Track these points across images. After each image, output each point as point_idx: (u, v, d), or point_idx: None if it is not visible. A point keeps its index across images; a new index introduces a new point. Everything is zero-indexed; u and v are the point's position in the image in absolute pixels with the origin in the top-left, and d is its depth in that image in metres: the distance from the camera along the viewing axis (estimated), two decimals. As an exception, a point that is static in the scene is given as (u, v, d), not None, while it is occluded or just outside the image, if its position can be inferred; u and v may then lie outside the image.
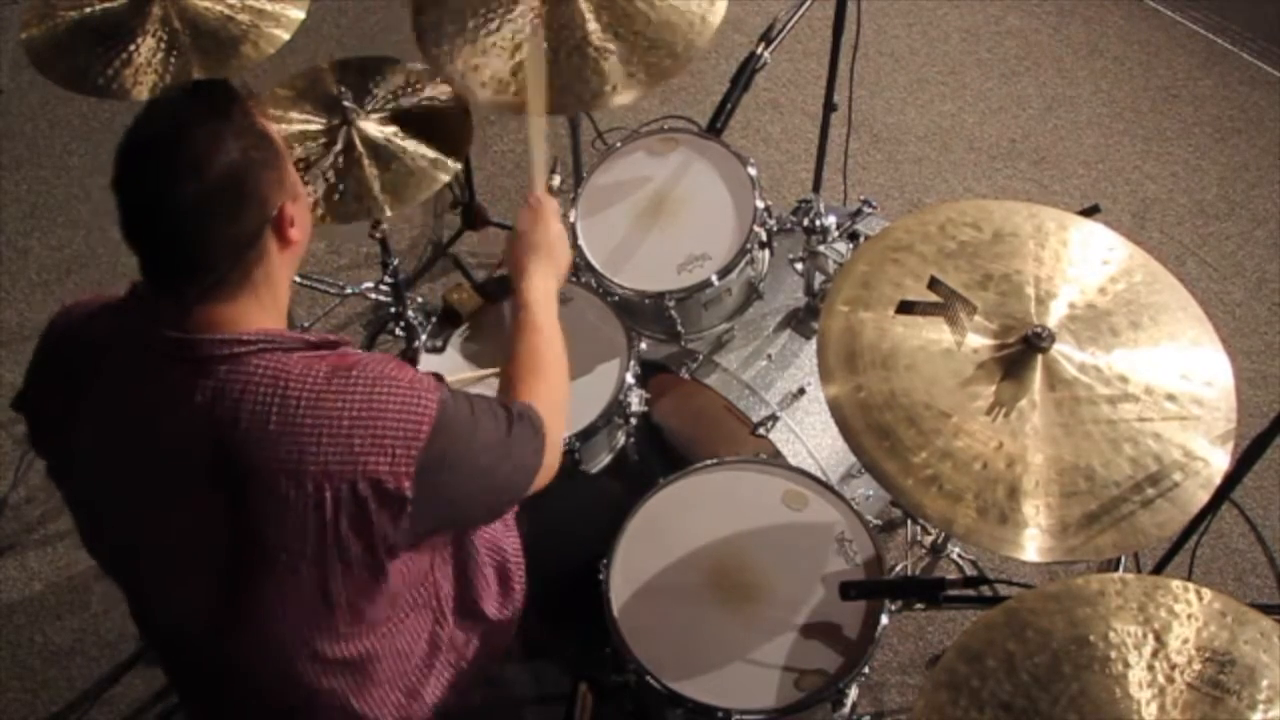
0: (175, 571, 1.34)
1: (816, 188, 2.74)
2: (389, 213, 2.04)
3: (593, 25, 2.03)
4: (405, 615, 1.41)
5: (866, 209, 2.22)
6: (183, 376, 1.25)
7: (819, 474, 1.90)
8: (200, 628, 1.35)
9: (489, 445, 1.36)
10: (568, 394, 1.62)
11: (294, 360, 1.26)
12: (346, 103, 2.08)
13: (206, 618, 1.33)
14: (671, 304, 2.02)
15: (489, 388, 1.95)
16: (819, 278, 2.18)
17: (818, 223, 2.11)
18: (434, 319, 2.04)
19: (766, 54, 2.13)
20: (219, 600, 1.31)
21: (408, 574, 1.36)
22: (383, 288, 2.71)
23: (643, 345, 2.07)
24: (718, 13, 2.06)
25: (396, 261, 2.45)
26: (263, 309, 1.29)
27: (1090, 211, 1.77)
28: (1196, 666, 1.20)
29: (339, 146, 2.06)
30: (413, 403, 1.27)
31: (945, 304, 1.61)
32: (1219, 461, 1.49)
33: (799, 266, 2.18)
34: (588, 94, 2.00)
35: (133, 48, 2.06)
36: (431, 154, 2.07)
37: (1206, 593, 1.26)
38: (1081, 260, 1.65)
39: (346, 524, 1.25)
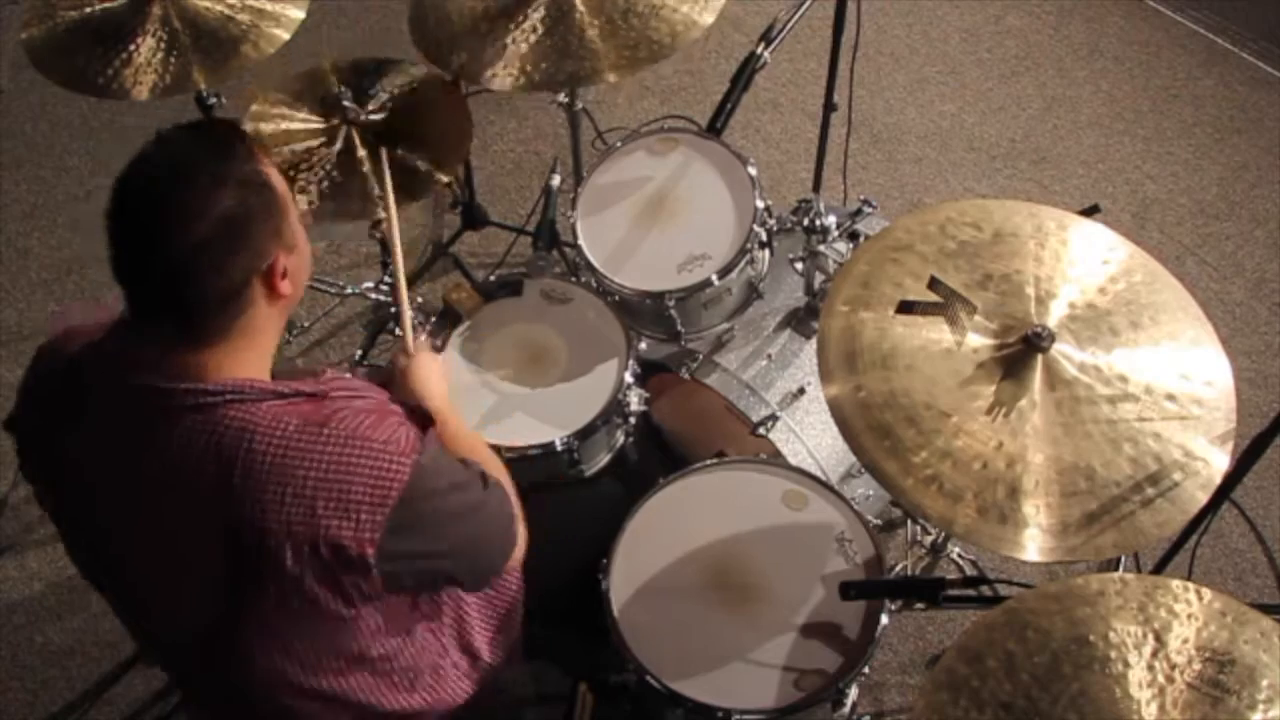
0: (169, 604, 1.33)
1: (816, 188, 2.74)
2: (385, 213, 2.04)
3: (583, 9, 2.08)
4: (394, 648, 1.39)
5: (866, 209, 2.22)
6: (154, 422, 1.23)
7: (819, 474, 1.89)
8: (195, 653, 1.35)
9: (463, 513, 1.33)
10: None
11: (262, 411, 1.23)
12: (346, 102, 2.07)
13: (201, 644, 1.32)
14: (671, 304, 2.02)
15: (491, 390, 1.97)
16: (819, 277, 2.18)
17: (818, 222, 2.11)
18: (434, 319, 2.04)
19: (766, 54, 2.13)
20: (212, 630, 1.30)
21: (390, 615, 1.34)
22: (383, 288, 2.71)
23: (642, 345, 2.07)
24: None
25: (396, 261, 2.45)
26: (242, 358, 1.26)
27: (1090, 211, 1.77)
28: (1196, 666, 1.20)
29: (339, 146, 2.06)
30: (383, 466, 1.23)
31: (945, 304, 1.61)
32: (1219, 461, 1.49)
33: (799, 266, 2.18)
34: (579, 73, 2.05)
35: (133, 48, 2.06)
36: (430, 156, 2.07)
37: (1206, 592, 1.26)
38: (1081, 260, 1.65)
39: (313, 579, 1.23)
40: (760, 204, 2.06)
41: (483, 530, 1.38)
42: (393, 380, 1.61)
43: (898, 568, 2.36)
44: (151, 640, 1.44)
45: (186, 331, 1.23)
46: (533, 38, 2.08)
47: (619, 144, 2.22)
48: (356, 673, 1.35)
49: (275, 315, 1.29)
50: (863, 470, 2.01)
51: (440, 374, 1.65)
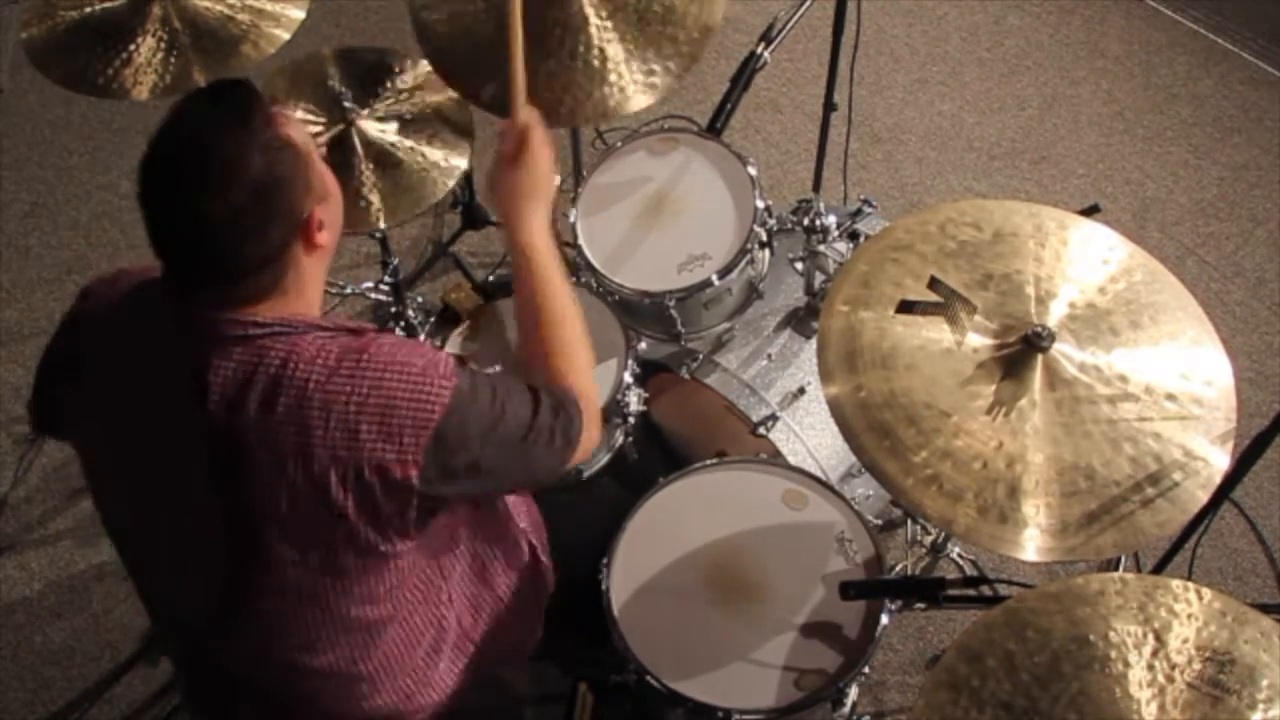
0: (175, 557, 1.34)
1: (816, 187, 2.74)
2: (384, 224, 2.04)
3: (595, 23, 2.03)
4: (414, 598, 1.40)
5: (866, 209, 2.22)
6: (198, 355, 1.25)
7: (819, 474, 1.89)
8: (202, 615, 1.35)
9: (510, 435, 1.33)
10: (588, 343, 1.52)
11: (306, 341, 1.26)
12: (347, 103, 2.07)
13: (208, 604, 1.33)
14: (671, 303, 2.02)
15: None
16: (819, 277, 2.18)
17: (818, 222, 2.11)
18: (433, 318, 2.04)
19: (766, 54, 2.13)
20: (219, 586, 1.31)
21: (418, 555, 1.35)
22: (383, 287, 2.71)
23: (643, 345, 2.07)
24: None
25: (396, 261, 2.45)
26: (288, 306, 1.28)
27: (1090, 211, 1.77)
28: (1196, 666, 1.20)
29: (339, 151, 2.06)
30: (424, 390, 1.25)
31: (945, 304, 1.61)
32: (1219, 461, 1.49)
33: (799, 266, 2.18)
34: (604, 105, 1.97)
35: (133, 48, 2.06)
36: (433, 159, 2.07)
37: (1206, 592, 1.26)
38: (1081, 260, 1.65)
39: (354, 508, 1.25)
40: (760, 204, 2.06)
41: (527, 450, 1.35)
42: (504, 149, 1.55)
43: (898, 568, 2.36)
44: (166, 603, 1.44)
45: (230, 294, 1.25)
46: (566, 62, 1.99)
47: (619, 144, 2.22)
48: (379, 620, 1.36)
49: (316, 264, 1.31)
50: (863, 470, 2.01)
51: (550, 165, 1.56)
